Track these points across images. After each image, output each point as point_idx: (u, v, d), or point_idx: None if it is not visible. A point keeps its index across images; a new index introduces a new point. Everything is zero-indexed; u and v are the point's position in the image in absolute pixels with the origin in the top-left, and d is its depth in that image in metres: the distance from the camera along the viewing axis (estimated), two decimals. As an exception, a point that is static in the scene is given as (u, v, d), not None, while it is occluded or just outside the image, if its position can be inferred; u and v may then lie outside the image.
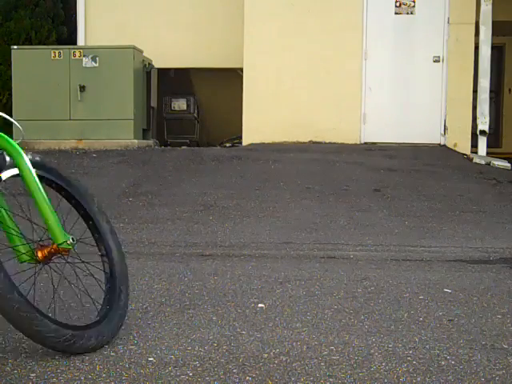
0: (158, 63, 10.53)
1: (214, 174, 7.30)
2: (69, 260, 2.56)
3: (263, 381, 2.28)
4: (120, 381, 2.28)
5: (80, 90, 9.28)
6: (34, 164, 2.55)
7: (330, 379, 2.31)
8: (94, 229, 2.78)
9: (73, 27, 11.20)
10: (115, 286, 2.69)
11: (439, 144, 9.95)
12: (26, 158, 2.52)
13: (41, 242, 2.49)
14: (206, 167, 7.81)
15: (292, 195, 6.50)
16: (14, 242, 2.45)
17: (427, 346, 2.65)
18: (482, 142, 9.64)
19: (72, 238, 2.47)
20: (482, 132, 9.66)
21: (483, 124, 9.65)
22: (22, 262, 2.46)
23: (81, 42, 10.93)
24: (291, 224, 5.48)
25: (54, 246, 2.44)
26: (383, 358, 2.50)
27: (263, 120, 9.29)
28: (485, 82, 9.65)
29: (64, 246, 2.44)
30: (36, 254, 2.45)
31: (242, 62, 9.85)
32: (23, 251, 2.45)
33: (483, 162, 8.89)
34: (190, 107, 11.68)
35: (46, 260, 2.47)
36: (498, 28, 10.34)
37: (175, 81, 11.83)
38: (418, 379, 2.32)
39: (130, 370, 2.37)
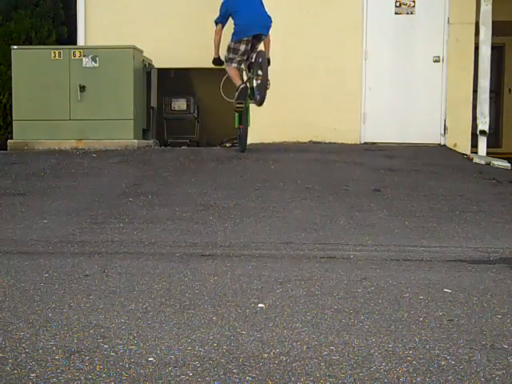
0: (158, 63, 10.52)
1: (213, 174, 7.30)
2: None
3: (263, 381, 2.28)
4: (120, 381, 2.28)
5: (80, 90, 9.27)
6: None
7: (330, 379, 2.31)
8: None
9: (73, 27, 11.19)
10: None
11: (439, 144, 9.95)
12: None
13: None
14: (205, 167, 7.81)
15: (292, 195, 6.50)
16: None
17: (427, 346, 2.65)
18: (482, 142, 9.64)
19: None
20: (482, 132, 9.66)
21: (483, 124, 9.64)
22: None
23: (81, 41, 10.92)
24: (291, 224, 5.48)
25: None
26: (383, 358, 2.50)
27: (263, 120, 9.28)
28: (485, 82, 9.65)
29: None
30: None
31: (242, 62, 9.80)
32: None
33: (483, 162, 8.89)
34: (189, 107, 11.68)
35: None
36: (497, 28, 10.33)
37: (175, 81, 11.82)
38: (418, 379, 2.32)
39: (129, 369, 2.37)
